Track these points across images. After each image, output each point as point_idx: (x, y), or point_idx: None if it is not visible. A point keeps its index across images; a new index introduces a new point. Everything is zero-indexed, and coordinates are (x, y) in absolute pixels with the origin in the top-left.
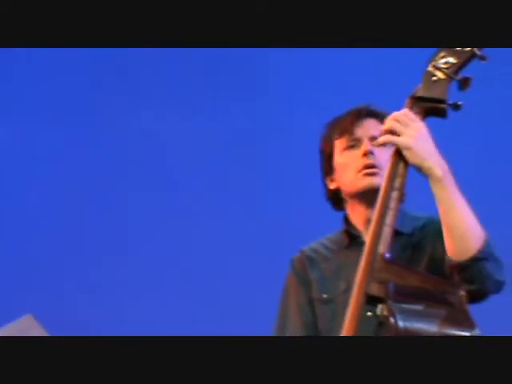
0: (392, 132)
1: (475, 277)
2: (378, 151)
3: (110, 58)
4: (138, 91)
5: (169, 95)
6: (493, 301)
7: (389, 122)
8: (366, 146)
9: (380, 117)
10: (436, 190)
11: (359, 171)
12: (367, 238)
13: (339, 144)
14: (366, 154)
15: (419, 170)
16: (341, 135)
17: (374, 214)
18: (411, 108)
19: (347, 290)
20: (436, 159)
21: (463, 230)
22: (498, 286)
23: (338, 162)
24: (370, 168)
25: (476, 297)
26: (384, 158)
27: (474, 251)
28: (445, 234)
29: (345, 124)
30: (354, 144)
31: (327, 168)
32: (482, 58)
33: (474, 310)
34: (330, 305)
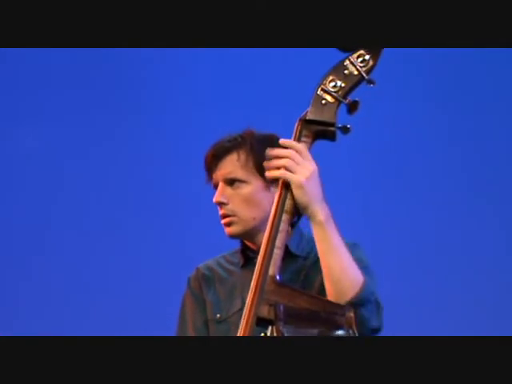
0: (286, 168)
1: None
2: (231, 194)
3: None
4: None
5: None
6: None
7: (284, 158)
8: (215, 196)
9: (241, 146)
10: (317, 232)
11: (221, 220)
12: (258, 259)
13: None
14: (217, 204)
15: (303, 210)
16: (207, 176)
17: (265, 236)
18: (300, 131)
19: (242, 310)
20: (320, 203)
21: (339, 273)
22: (373, 332)
23: None
24: (224, 218)
25: None
26: (240, 199)
27: (348, 296)
28: (324, 277)
29: (206, 167)
30: (215, 185)
31: None
32: (370, 82)
33: None
34: (223, 325)
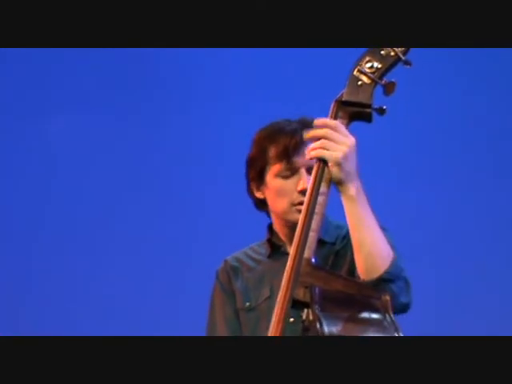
0: (323, 147)
1: None
2: None
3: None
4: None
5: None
6: None
7: (322, 137)
8: (304, 182)
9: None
10: (347, 206)
11: (294, 205)
12: (293, 242)
13: (275, 166)
14: (304, 191)
15: (337, 184)
16: (278, 160)
17: (300, 219)
18: (336, 112)
19: (271, 298)
20: (354, 179)
21: (369, 248)
22: (403, 308)
23: (272, 185)
24: None
25: None
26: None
27: (380, 272)
28: (354, 252)
29: (284, 147)
30: (291, 172)
31: (256, 177)
32: (407, 62)
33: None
34: (253, 313)
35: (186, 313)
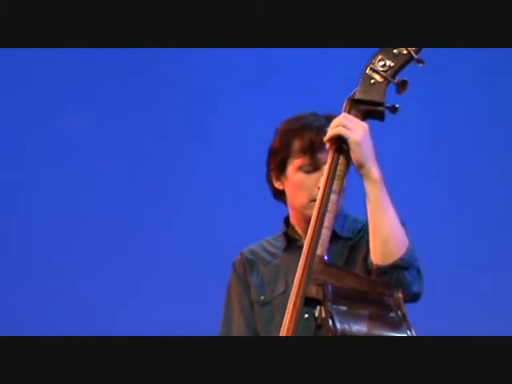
0: (343, 125)
1: (392, 283)
2: None
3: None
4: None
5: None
6: None
7: (339, 118)
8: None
9: None
10: (370, 191)
11: (313, 201)
12: (306, 240)
13: (297, 160)
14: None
15: (359, 168)
16: (302, 154)
17: (313, 216)
18: (349, 110)
19: (285, 293)
20: (375, 162)
21: (387, 234)
22: (414, 297)
23: (293, 178)
24: None
25: None
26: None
27: (395, 258)
28: (370, 237)
29: (309, 142)
30: (313, 168)
31: (277, 168)
32: (420, 61)
33: None
34: (268, 307)
35: (201, 308)
